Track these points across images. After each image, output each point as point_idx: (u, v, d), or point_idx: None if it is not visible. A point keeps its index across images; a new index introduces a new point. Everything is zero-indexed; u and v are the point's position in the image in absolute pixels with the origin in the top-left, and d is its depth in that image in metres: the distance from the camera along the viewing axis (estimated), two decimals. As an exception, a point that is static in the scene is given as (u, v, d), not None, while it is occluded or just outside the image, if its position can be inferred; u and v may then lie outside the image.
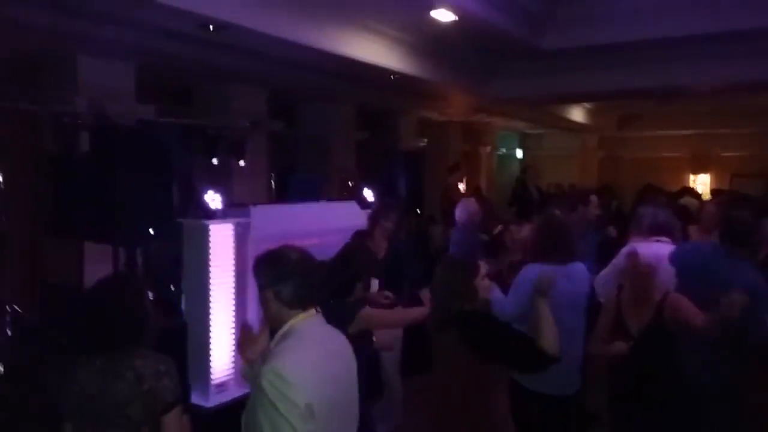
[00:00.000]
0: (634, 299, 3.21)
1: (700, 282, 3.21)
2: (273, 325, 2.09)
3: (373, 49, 6.45)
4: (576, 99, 11.61)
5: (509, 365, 2.77)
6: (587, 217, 4.99)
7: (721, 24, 6.34)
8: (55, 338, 5.19)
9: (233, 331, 4.46)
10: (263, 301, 2.09)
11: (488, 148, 13.65)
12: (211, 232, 4.32)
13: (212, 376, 4.38)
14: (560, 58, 7.71)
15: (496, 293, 3.30)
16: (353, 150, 10.01)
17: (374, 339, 3.20)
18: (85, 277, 5.69)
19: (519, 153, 16.28)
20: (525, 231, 4.22)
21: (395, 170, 8.89)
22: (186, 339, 4.40)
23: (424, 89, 8.35)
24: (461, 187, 10.24)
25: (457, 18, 5.85)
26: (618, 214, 6.12)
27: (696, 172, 14.62)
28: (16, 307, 5.65)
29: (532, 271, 3.20)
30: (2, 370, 4.99)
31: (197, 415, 4.14)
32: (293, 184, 7.19)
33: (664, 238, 3.97)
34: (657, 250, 3.66)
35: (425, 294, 3.06)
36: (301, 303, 2.05)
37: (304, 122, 9.65)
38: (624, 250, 3.59)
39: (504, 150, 15.39)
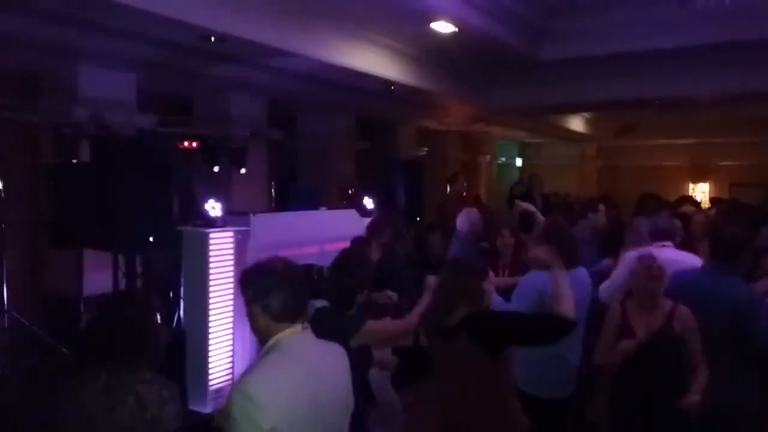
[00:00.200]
0: (640, 305, 3.16)
1: (692, 301, 3.17)
2: (261, 340, 2.04)
3: (373, 60, 6.49)
4: (574, 109, 11.67)
5: (529, 340, 2.73)
6: (596, 225, 5.03)
7: (719, 35, 6.37)
8: (54, 348, 5.21)
9: (231, 338, 4.47)
10: (250, 316, 2.03)
11: (487, 157, 13.66)
12: (210, 240, 4.34)
13: (210, 383, 4.40)
14: (559, 69, 7.76)
15: (498, 299, 3.30)
16: (353, 159, 10.03)
17: (374, 358, 3.18)
18: (85, 285, 5.71)
19: (518, 162, 16.33)
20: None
21: (394, 179, 8.91)
22: (184, 345, 4.42)
23: (423, 99, 8.38)
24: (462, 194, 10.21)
25: (457, 30, 5.90)
26: (617, 223, 6.16)
27: (695, 181, 14.67)
28: (15, 314, 5.65)
29: (537, 278, 3.14)
30: None
31: (195, 421, 4.17)
32: (293, 193, 7.22)
33: (667, 243, 3.95)
34: (666, 255, 3.56)
35: (429, 282, 3.00)
36: (289, 316, 1.99)
37: (304, 131, 9.68)
38: (634, 254, 3.51)
39: (503, 159, 15.42)
